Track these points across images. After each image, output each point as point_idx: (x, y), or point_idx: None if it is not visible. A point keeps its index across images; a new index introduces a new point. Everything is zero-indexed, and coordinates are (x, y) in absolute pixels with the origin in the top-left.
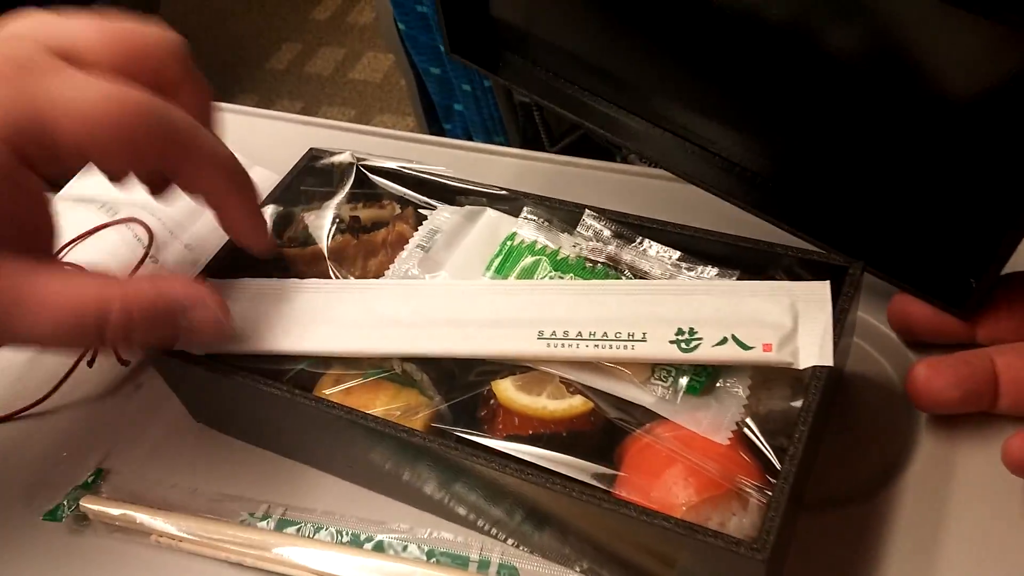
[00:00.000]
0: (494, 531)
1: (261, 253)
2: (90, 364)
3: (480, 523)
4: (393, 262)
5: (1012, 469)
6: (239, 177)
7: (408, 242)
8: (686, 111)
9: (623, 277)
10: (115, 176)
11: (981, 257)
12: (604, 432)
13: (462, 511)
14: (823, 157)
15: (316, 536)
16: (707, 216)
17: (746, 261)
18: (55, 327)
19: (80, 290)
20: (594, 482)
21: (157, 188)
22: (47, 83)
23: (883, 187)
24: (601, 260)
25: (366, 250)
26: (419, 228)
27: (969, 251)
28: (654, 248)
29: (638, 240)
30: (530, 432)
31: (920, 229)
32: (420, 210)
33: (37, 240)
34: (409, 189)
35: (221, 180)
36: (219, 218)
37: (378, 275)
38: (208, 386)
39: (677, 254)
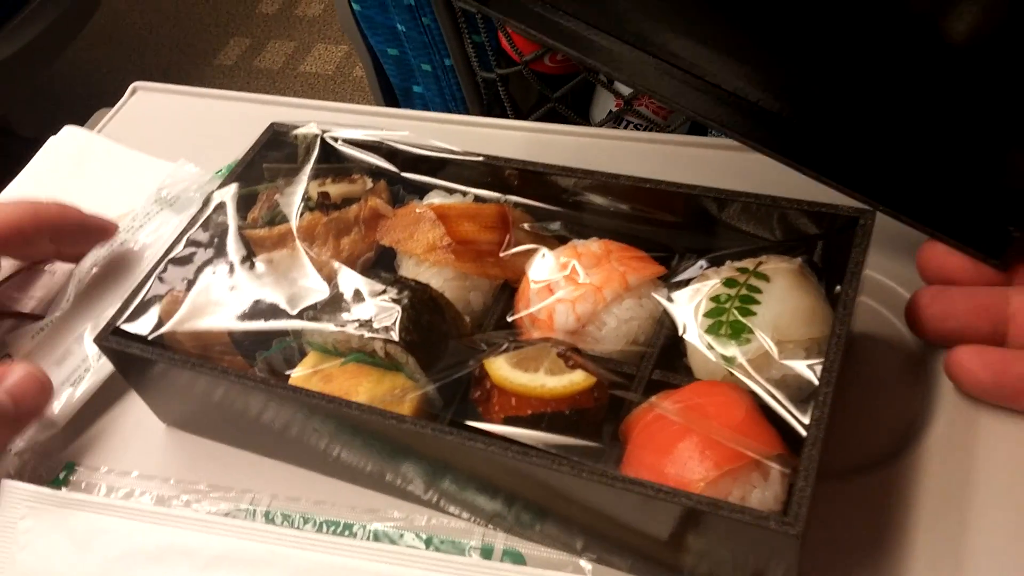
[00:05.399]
0: (492, 525)
1: None
2: None
3: (478, 515)
4: (366, 240)
5: (958, 381)
6: None
7: (383, 218)
8: (674, 33)
9: None
10: None
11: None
12: (609, 408)
13: (458, 503)
14: (846, 92)
15: (305, 528)
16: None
17: (748, 215)
18: None
19: None
20: (602, 462)
21: None
22: None
23: (916, 130)
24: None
25: (337, 228)
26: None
27: (1009, 198)
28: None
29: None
30: (529, 412)
31: (955, 175)
32: (394, 185)
33: None
34: (381, 160)
35: None
36: None
37: (352, 255)
38: (170, 380)
39: None
